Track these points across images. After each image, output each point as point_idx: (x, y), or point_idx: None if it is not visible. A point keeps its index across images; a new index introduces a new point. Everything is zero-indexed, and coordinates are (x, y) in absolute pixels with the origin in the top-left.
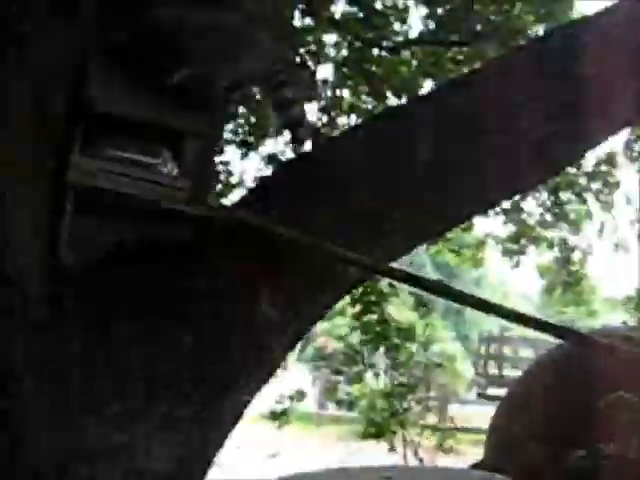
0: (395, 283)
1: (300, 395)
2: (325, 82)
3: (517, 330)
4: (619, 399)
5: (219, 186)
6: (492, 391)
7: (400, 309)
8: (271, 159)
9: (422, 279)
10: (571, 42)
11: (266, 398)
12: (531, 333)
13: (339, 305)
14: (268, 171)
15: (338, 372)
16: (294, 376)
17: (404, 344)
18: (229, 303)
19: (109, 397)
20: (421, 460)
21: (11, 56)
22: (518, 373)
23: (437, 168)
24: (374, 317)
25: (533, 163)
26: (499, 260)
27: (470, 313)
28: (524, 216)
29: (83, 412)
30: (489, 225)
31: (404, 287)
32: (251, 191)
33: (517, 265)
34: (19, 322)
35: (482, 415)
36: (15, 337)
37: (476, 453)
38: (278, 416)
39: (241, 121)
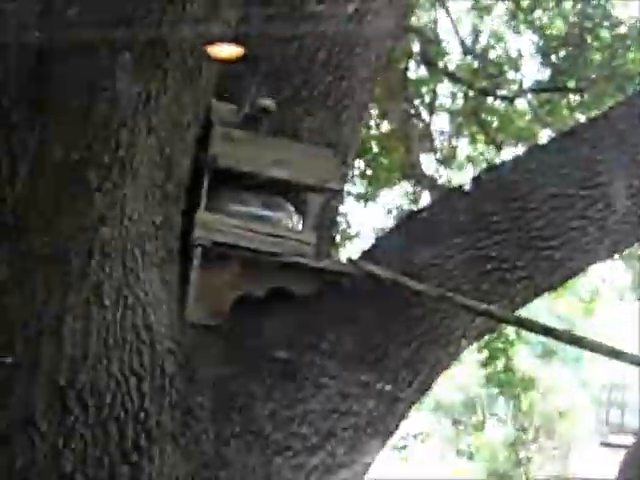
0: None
1: (425, 436)
2: (442, 133)
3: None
4: None
5: (338, 237)
6: (614, 439)
7: (524, 358)
8: (390, 211)
9: (552, 329)
10: None
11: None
12: None
13: None
14: (388, 222)
15: (457, 422)
16: (415, 424)
17: (527, 392)
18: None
19: None
20: None
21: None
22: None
23: (558, 216)
24: (499, 365)
25: None
26: (614, 308)
27: (589, 360)
28: None
29: None
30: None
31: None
32: (376, 243)
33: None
34: (148, 374)
35: (605, 464)
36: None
37: None
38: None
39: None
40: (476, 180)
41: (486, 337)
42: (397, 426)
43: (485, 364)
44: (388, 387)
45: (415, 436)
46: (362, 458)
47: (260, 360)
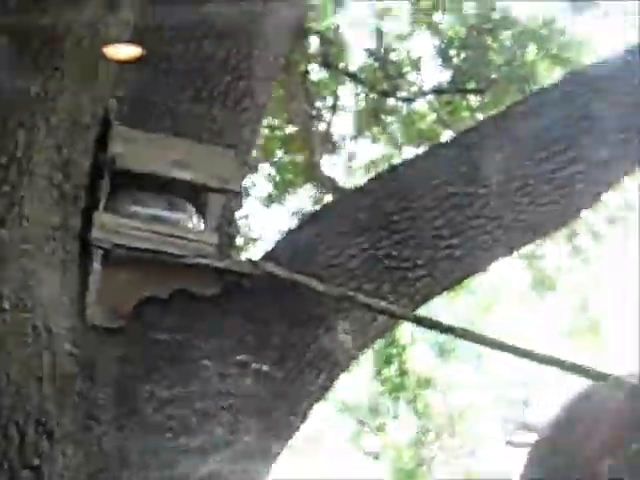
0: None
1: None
2: (343, 135)
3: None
4: None
5: (240, 240)
6: (518, 437)
7: (423, 357)
8: (295, 213)
9: (453, 327)
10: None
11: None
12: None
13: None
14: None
15: (362, 423)
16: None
17: (422, 394)
18: None
19: None
20: None
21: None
22: (544, 418)
23: (457, 214)
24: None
25: (555, 206)
26: (517, 306)
27: (491, 358)
28: (543, 262)
29: None
30: (507, 271)
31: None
32: (277, 244)
33: (538, 311)
34: (48, 376)
35: (510, 462)
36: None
37: None
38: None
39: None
40: (376, 180)
41: (380, 342)
42: (294, 419)
43: (379, 371)
44: (265, 367)
45: (318, 438)
46: (242, 438)
47: (142, 343)
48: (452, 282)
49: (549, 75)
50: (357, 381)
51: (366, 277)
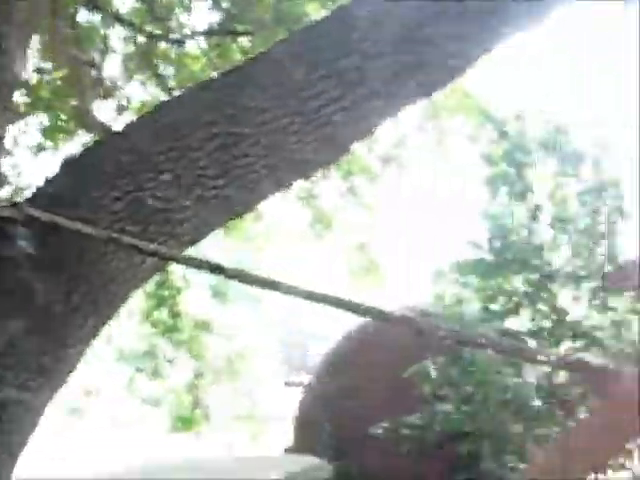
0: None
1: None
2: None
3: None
4: (420, 369)
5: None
6: (297, 378)
7: (196, 302)
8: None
9: (223, 267)
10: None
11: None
12: (332, 317)
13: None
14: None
15: (140, 370)
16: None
17: (197, 336)
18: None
19: None
20: (231, 450)
21: None
22: (320, 359)
23: (222, 154)
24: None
25: (319, 144)
26: (298, 247)
27: (270, 301)
28: (320, 202)
29: None
30: (285, 212)
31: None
32: (40, 189)
33: (317, 251)
34: None
35: (288, 402)
36: None
37: (286, 440)
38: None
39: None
40: (139, 121)
41: (153, 285)
42: (62, 366)
43: (150, 313)
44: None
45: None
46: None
47: None
48: (221, 222)
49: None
50: (132, 327)
51: (131, 219)
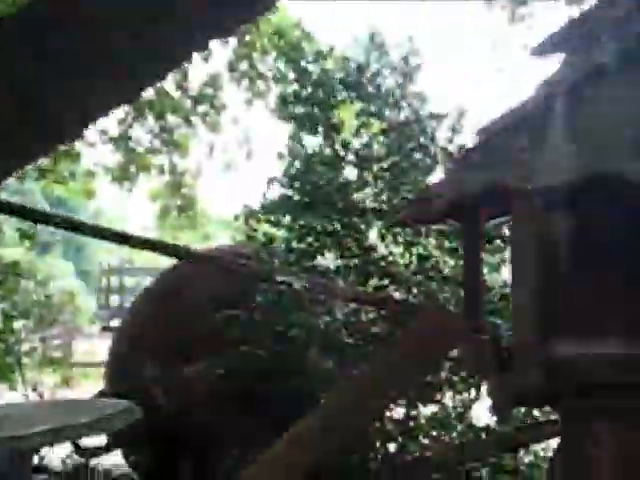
0: None
1: None
2: None
3: (137, 261)
4: (231, 315)
5: None
6: (115, 323)
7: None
8: None
9: (33, 210)
10: None
11: None
12: (150, 262)
13: None
14: None
15: None
16: None
17: (9, 279)
18: None
19: None
20: (42, 396)
21: None
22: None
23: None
24: None
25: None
26: (113, 191)
27: (91, 249)
28: (132, 144)
29: None
30: (98, 155)
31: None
32: None
33: (130, 193)
34: None
35: (106, 348)
36: None
37: (101, 385)
38: None
39: None
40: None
41: None
42: None
43: None
44: None
45: None
46: None
47: None
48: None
49: None
50: None
51: None
